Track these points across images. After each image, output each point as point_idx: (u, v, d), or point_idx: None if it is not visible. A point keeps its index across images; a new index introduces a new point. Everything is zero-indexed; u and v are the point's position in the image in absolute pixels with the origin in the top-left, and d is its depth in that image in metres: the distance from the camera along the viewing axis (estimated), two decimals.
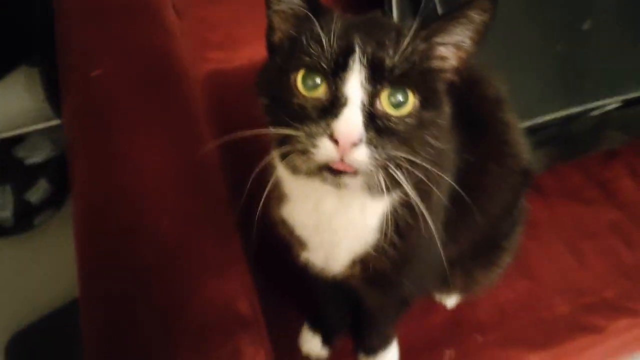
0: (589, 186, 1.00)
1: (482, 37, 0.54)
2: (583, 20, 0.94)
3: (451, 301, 0.89)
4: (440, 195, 0.58)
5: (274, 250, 0.75)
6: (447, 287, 0.84)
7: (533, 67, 0.96)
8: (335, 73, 0.50)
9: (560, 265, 0.93)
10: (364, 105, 0.49)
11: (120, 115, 0.80)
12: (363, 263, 0.63)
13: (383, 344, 0.84)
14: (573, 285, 0.91)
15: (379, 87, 0.50)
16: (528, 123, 0.97)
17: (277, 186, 0.60)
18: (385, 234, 0.59)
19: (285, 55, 0.54)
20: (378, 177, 0.50)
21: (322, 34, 0.51)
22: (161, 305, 0.65)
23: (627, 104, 1.00)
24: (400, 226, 0.59)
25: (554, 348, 0.87)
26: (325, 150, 0.48)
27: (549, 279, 0.91)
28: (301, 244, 0.66)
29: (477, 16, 0.52)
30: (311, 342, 0.85)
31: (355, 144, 0.48)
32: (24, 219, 1.47)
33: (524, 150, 0.76)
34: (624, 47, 0.98)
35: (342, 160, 0.48)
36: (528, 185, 0.79)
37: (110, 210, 0.73)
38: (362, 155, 0.48)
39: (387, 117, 0.50)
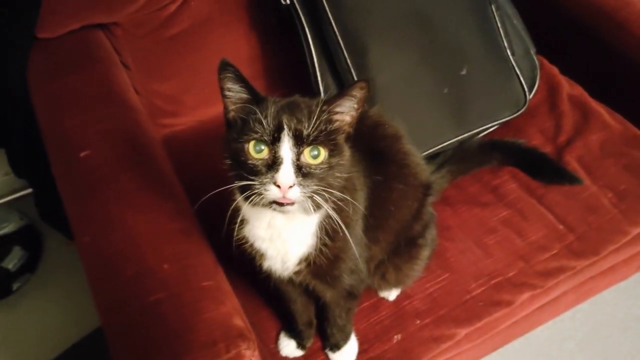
0: (484, 192, 1.22)
1: (364, 103, 0.79)
2: (461, 68, 1.18)
3: (392, 295, 1.08)
4: (355, 208, 0.84)
5: (246, 273, 0.97)
6: (385, 282, 1.04)
7: (428, 107, 1.18)
8: (274, 142, 0.74)
9: (471, 258, 1.14)
10: (293, 161, 0.74)
11: (112, 192, 0.97)
12: (307, 260, 0.87)
13: (344, 339, 1.03)
14: (483, 272, 1.11)
15: (301, 148, 0.75)
16: (429, 150, 1.21)
17: (238, 216, 0.84)
18: (319, 238, 0.85)
19: (239, 131, 0.78)
20: (308, 204, 0.76)
21: (262, 118, 0.75)
22: (174, 328, 0.82)
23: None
24: (329, 231, 0.84)
25: (476, 323, 1.07)
26: (272, 192, 0.74)
27: (464, 269, 1.12)
28: (261, 255, 0.90)
29: (357, 93, 0.77)
30: (288, 346, 1.05)
31: (290, 187, 0.73)
32: (3, 286, 1.57)
33: (423, 170, 1.02)
34: (494, 84, 1.23)
35: (283, 197, 0.73)
36: (429, 194, 1.03)
37: (118, 264, 0.90)
38: (295, 193, 0.74)
39: (309, 166, 0.75)
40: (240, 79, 0.78)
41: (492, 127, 1.25)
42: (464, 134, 1.20)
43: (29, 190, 1.73)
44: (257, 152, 0.76)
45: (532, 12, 1.39)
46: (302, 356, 1.05)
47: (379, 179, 0.93)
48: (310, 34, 1.14)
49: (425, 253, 1.06)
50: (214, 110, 1.28)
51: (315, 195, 0.76)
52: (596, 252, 1.15)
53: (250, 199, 0.76)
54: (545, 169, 1.23)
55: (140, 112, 1.14)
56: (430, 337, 1.06)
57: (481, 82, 1.21)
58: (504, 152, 1.24)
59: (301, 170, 0.75)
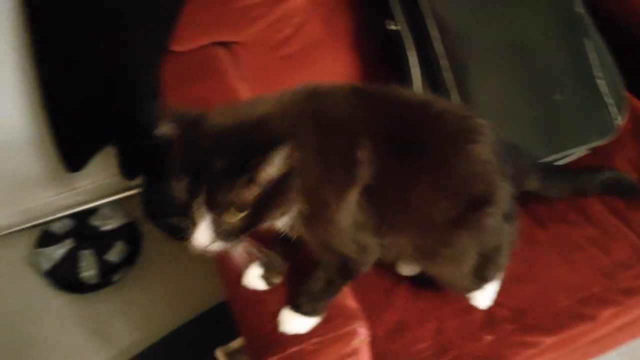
0: (571, 211, 1.28)
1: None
2: (554, 93, 1.26)
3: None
4: (330, 194, 0.79)
5: None
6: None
7: (521, 127, 1.26)
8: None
9: (558, 272, 1.19)
10: (210, 222, 0.72)
11: None
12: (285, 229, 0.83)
13: (309, 310, 0.90)
14: (570, 286, 1.17)
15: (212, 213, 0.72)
16: None
17: None
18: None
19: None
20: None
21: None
22: None
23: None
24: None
25: (561, 333, 1.12)
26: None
27: (551, 282, 1.17)
28: None
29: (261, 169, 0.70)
30: (252, 273, 0.96)
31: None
32: (106, 277, 1.71)
33: (481, 180, 0.91)
34: (585, 110, 1.31)
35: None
36: (484, 211, 0.92)
37: None
38: (215, 246, 0.74)
39: (223, 223, 0.72)
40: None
41: (580, 151, 1.32)
42: (553, 154, 1.28)
43: (132, 192, 1.90)
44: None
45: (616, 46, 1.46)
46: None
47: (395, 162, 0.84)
48: (416, 56, 1.25)
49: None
50: None
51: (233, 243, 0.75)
52: None
53: None
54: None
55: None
56: (519, 342, 1.11)
57: (572, 107, 1.28)
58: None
59: (219, 227, 0.72)
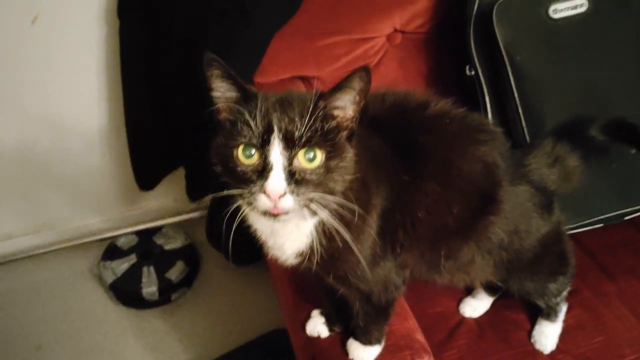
0: None
1: (366, 95, 0.69)
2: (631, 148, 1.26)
3: (547, 348, 1.12)
4: (361, 213, 0.75)
5: None
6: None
7: (596, 180, 1.25)
8: (263, 145, 0.67)
9: (627, 325, 1.17)
10: (284, 166, 0.67)
11: None
12: (302, 256, 0.81)
13: (366, 341, 0.94)
14: (637, 340, 1.15)
15: (293, 152, 0.67)
16: (590, 220, 1.29)
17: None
18: (315, 238, 0.77)
19: (227, 135, 0.70)
20: (303, 212, 0.70)
21: (250, 120, 0.68)
22: None
23: None
24: (326, 232, 0.77)
25: None
26: (262, 202, 0.68)
27: (619, 334, 1.16)
28: (265, 244, 0.85)
29: (357, 84, 0.68)
30: (314, 321, 1.02)
31: (282, 196, 0.67)
32: (165, 294, 1.75)
33: (486, 174, 0.87)
34: None
35: (275, 207, 0.67)
36: (491, 211, 0.89)
37: None
38: (288, 202, 0.67)
39: (303, 171, 0.68)
40: (229, 75, 0.71)
41: None
42: (627, 209, 1.28)
43: (194, 215, 1.97)
44: (246, 157, 0.69)
45: None
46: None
47: (406, 179, 0.82)
48: (491, 103, 1.28)
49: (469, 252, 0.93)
50: None
51: (312, 204, 0.69)
52: None
53: (245, 205, 0.72)
54: None
55: None
56: None
57: None
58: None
59: (294, 176, 0.68)
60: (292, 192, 0.67)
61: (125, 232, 1.90)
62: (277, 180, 0.67)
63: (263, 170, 0.68)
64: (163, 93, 1.53)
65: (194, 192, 1.73)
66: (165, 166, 1.75)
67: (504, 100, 1.27)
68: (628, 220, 1.35)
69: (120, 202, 1.93)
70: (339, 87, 0.69)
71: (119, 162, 1.78)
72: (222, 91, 0.72)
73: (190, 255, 1.87)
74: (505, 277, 1.02)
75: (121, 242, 1.87)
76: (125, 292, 1.76)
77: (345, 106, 0.71)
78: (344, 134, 0.72)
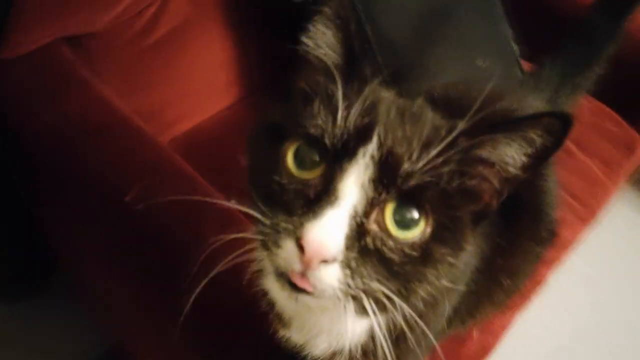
0: None
1: (539, 163, 0.41)
2: (476, 58, 1.17)
3: None
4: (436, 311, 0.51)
5: None
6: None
7: None
8: (338, 159, 0.39)
9: None
10: (356, 212, 0.38)
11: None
12: (342, 355, 0.52)
13: None
14: None
15: (384, 195, 0.39)
16: None
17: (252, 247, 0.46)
18: (373, 338, 0.48)
19: (289, 115, 0.42)
20: (345, 305, 0.40)
21: (340, 103, 0.39)
22: None
23: None
24: (392, 332, 0.47)
25: None
26: (287, 254, 0.38)
27: None
28: (281, 321, 0.54)
29: (537, 138, 0.40)
30: None
31: (325, 261, 0.37)
32: None
33: (553, 210, 0.68)
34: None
35: (301, 275, 0.38)
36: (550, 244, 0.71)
37: None
38: (330, 278, 0.38)
39: (382, 238, 0.39)
40: (343, 27, 0.43)
41: None
42: None
43: None
44: (298, 164, 0.40)
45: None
46: None
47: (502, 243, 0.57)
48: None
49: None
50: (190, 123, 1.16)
51: (365, 299, 0.39)
52: None
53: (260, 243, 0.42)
54: None
55: (153, 138, 0.96)
56: None
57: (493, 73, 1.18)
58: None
59: (362, 238, 0.39)
60: (346, 266, 0.37)
61: None
62: (330, 228, 0.36)
63: (317, 200, 0.38)
64: None
65: None
66: None
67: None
68: None
69: None
70: (505, 128, 0.40)
71: None
72: (321, 45, 0.43)
73: None
74: None
75: None
76: None
77: (501, 165, 0.41)
78: (475, 210, 0.42)
